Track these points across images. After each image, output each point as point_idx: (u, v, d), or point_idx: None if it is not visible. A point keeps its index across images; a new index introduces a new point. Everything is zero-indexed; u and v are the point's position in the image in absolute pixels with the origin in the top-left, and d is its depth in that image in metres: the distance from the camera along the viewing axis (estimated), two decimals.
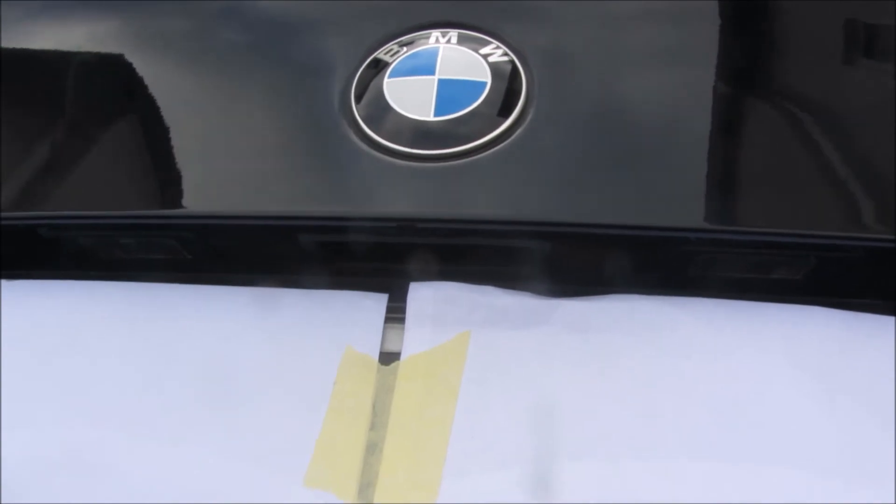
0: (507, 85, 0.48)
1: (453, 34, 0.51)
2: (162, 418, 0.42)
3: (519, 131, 0.46)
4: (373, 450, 0.41)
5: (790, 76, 0.48)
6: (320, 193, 0.46)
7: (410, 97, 0.48)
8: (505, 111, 0.47)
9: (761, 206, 0.43)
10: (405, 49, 0.51)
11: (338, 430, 0.42)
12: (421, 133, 0.47)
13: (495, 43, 0.50)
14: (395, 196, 0.45)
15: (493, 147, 0.46)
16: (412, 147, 0.47)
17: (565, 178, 0.44)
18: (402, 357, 0.44)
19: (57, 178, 0.48)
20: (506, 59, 0.49)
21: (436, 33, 0.51)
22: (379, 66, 0.50)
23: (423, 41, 0.51)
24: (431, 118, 0.47)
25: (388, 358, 0.44)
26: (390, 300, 0.46)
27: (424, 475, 0.40)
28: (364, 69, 0.50)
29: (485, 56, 0.50)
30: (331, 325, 0.45)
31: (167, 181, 0.47)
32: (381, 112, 0.48)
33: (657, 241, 0.43)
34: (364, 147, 0.46)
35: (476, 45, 0.50)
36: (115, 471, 0.41)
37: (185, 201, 0.46)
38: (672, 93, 0.47)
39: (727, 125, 0.45)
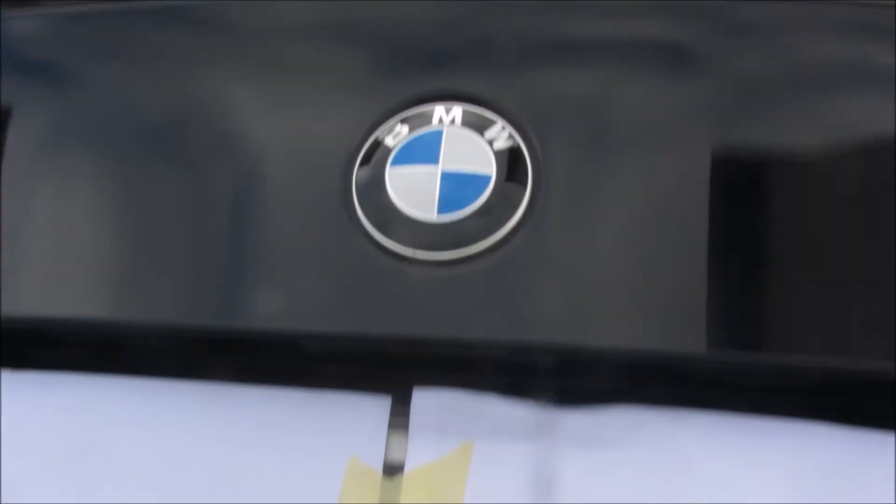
0: (512, 177, 0.47)
1: (457, 111, 0.49)
2: None
3: (523, 233, 0.45)
4: None
5: (816, 194, 0.45)
6: (320, 305, 0.45)
7: (413, 191, 0.47)
8: (511, 208, 0.46)
9: (770, 332, 0.42)
10: (407, 129, 0.48)
11: None
12: (424, 233, 0.46)
13: (500, 123, 0.48)
14: (396, 309, 0.44)
15: (498, 251, 0.45)
16: (415, 248, 0.46)
17: (561, 295, 0.43)
18: (406, 469, 0.45)
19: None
20: (511, 143, 0.47)
21: (440, 110, 0.49)
22: (381, 150, 0.48)
23: (425, 120, 0.49)
24: (434, 217, 0.46)
25: (392, 469, 0.45)
26: (393, 403, 0.46)
27: None
28: (365, 152, 0.48)
29: (490, 141, 0.48)
30: (335, 431, 0.46)
31: (153, 289, 0.46)
32: (383, 209, 0.46)
33: (664, 364, 0.42)
34: (366, 250, 0.45)
35: (481, 125, 0.48)
36: None
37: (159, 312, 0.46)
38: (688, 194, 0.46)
39: (745, 245, 0.44)
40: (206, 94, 0.51)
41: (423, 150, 0.48)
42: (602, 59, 0.49)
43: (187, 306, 0.47)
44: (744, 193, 0.46)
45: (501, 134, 0.48)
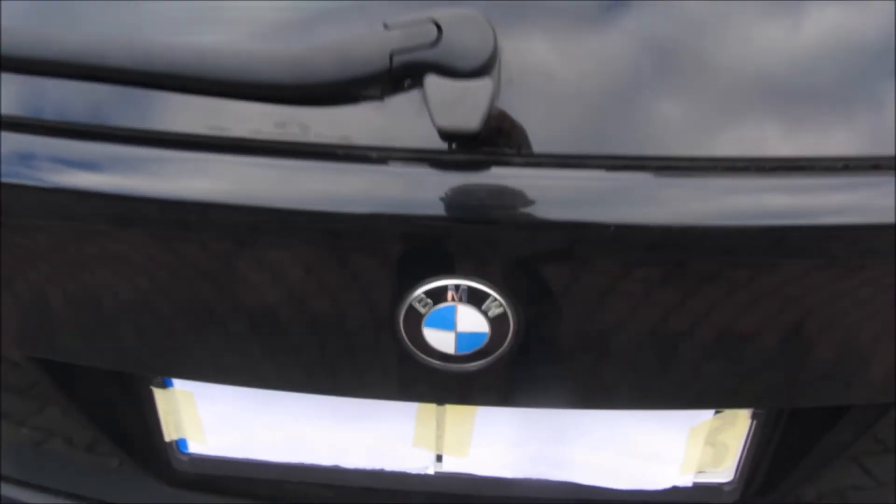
0: (500, 330, 0.75)
1: (464, 288, 0.73)
2: None
3: (504, 356, 0.77)
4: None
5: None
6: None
7: (441, 341, 0.76)
8: (498, 345, 0.76)
9: None
10: (431, 302, 0.74)
11: None
12: (448, 358, 0.77)
13: (493, 295, 0.73)
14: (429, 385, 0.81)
15: (489, 363, 0.78)
16: (443, 362, 0.78)
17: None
18: None
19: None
20: (500, 310, 0.74)
21: (451, 287, 0.73)
22: (415, 314, 0.75)
23: (442, 296, 0.73)
24: (454, 353, 0.77)
25: None
26: None
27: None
28: (406, 314, 0.75)
29: (485, 311, 0.74)
30: None
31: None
32: (425, 348, 0.77)
33: None
34: (415, 362, 0.78)
35: (479, 300, 0.73)
36: None
37: None
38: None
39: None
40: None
41: (445, 320, 0.75)
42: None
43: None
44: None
45: (493, 304, 0.74)
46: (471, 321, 0.76)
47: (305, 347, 0.81)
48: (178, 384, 0.93)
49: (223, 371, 0.84)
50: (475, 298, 0.75)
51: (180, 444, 1.00)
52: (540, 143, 0.69)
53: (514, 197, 0.68)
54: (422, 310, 0.76)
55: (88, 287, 0.80)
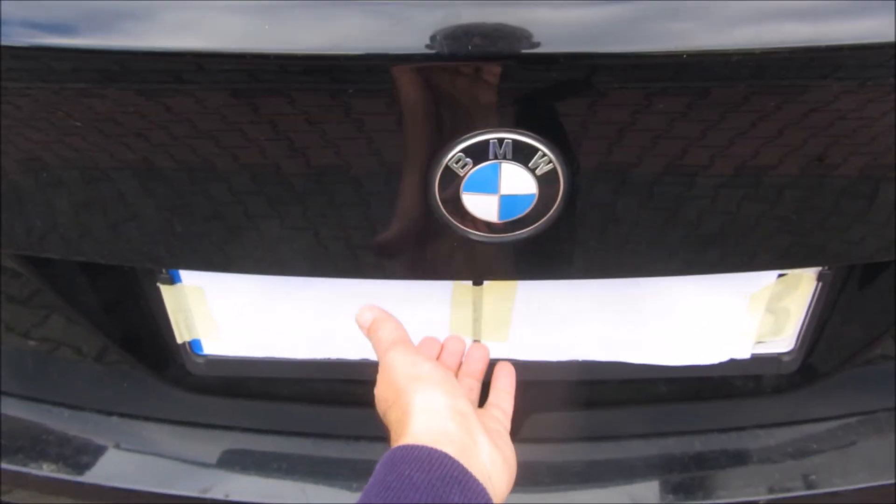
0: (549, 191, 0.66)
1: (508, 142, 0.64)
2: None
3: (552, 220, 0.68)
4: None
5: None
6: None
7: (482, 207, 0.67)
8: (546, 209, 0.67)
9: None
10: (470, 161, 0.64)
11: None
12: (491, 227, 0.69)
13: (542, 150, 0.64)
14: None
15: (536, 230, 0.69)
16: (485, 233, 0.69)
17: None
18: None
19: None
20: (550, 167, 0.65)
21: (493, 143, 0.63)
22: (453, 178, 0.65)
23: (483, 153, 0.64)
24: (497, 220, 0.68)
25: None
26: None
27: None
28: (441, 178, 0.65)
29: (533, 169, 0.65)
30: None
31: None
32: (463, 216, 0.68)
33: None
34: (453, 234, 0.69)
35: (526, 156, 0.64)
36: None
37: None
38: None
39: None
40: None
41: (487, 181, 0.66)
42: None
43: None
44: None
45: (542, 160, 0.65)
46: (516, 181, 0.67)
47: (327, 223, 0.71)
48: (187, 278, 0.84)
49: (236, 258, 0.74)
50: (521, 155, 0.65)
51: (194, 345, 0.92)
52: None
53: (565, 27, 0.58)
54: (460, 171, 0.66)
55: (76, 167, 0.69)
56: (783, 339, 0.89)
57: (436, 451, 0.59)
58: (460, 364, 0.77)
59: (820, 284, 0.83)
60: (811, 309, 0.85)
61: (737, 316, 0.84)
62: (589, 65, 0.60)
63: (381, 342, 0.72)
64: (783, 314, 0.86)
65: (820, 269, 0.82)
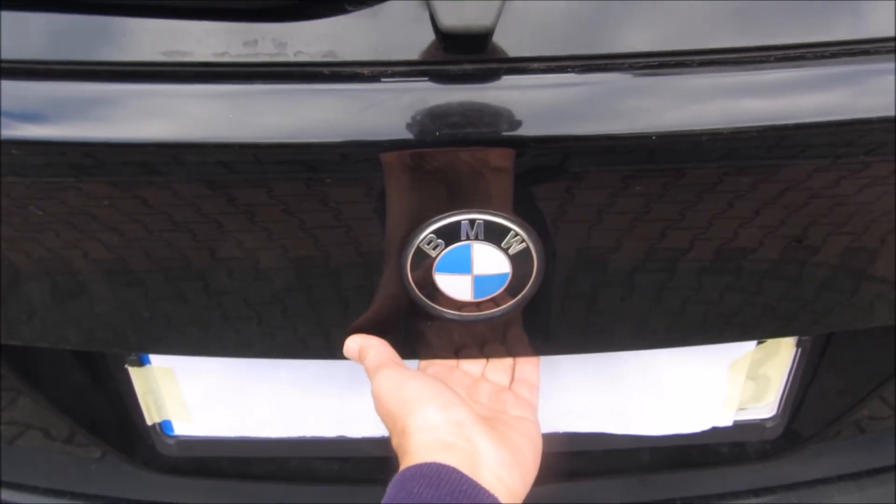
0: (523, 269, 0.65)
1: (480, 223, 0.63)
2: None
3: (527, 298, 0.67)
4: None
5: None
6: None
7: (455, 287, 0.66)
8: (521, 286, 0.67)
9: None
10: (442, 242, 0.64)
11: None
12: (464, 306, 0.68)
13: (514, 229, 0.63)
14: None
15: (511, 307, 0.68)
16: (458, 312, 0.68)
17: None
18: None
19: None
20: (522, 246, 0.64)
21: (465, 224, 0.63)
22: (425, 259, 0.64)
23: (455, 234, 0.63)
24: (472, 300, 0.67)
25: None
26: None
27: None
28: (413, 259, 0.64)
29: (506, 249, 0.64)
30: None
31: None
32: (436, 295, 0.67)
33: None
34: (427, 314, 0.68)
35: (499, 236, 0.63)
36: None
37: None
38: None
39: None
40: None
41: (459, 262, 0.65)
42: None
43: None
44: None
45: (514, 240, 0.64)
46: (489, 261, 0.66)
47: (298, 307, 0.70)
48: (156, 360, 0.82)
49: (206, 342, 0.72)
50: (493, 234, 0.65)
51: (165, 426, 0.89)
52: (562, 43, 0.58)
53: (535, 109, 0.58)
54: (432, 252, 0.65)
55: (41, 255, 0.68)
56: (765, 406, 0.88)
57: (443, 465, 0.60)
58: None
59: (799, 350, 0.82)
60: (792, 375, 0.85)
61: (718, 384, 0.83)
62: (557, 146, 0.60)
63: (368, 370, 0.71)
64: (764, 381, 0.85)
65: (798, 336, 0.82)
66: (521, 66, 0.58)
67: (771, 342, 0.82)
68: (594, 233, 0.66)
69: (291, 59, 0.58)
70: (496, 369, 0.76)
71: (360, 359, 0.71)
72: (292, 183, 0.62)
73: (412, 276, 0.66)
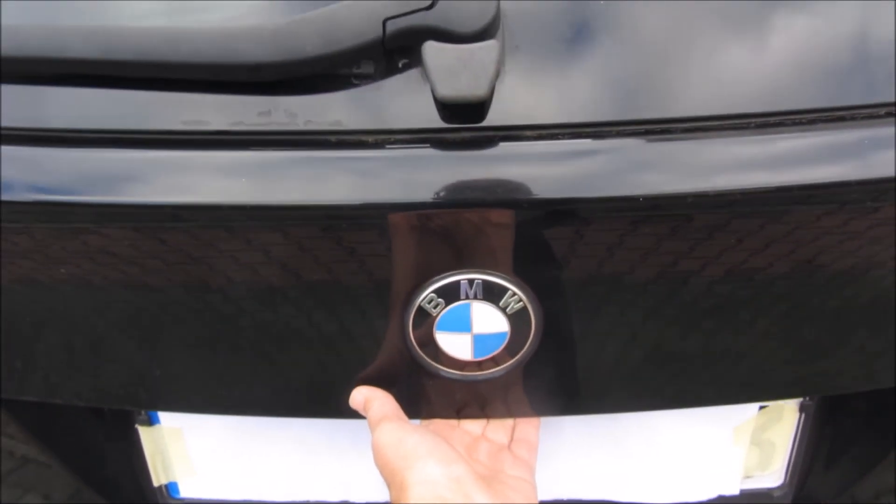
0: (521, 328, 0.67)
1: (478, 282, 0.65)
2: None
3: (526, 358, 0.69)
4: None
5: None
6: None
7: (455, 346, 0.68)
8: (519, 346, 0.69)
9: None
10: (443, 301, 0.66)
11: None
12: (465, 365, 0.69)
13: (511, 289, 0.66)
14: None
15: (511, 367, 0.70)
16: (459, 371, 0.70)
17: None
18: None
19: None
20: (520, 305, 0.66)
21: (464, 283, 0.65)
22: (426, 317, 0.67)
23: (454, 293, 0.66)
24: (472, 359, 0.69)
25: None
26: None
27: None
28: (414, 318, 0.67)
29: (504, 308, 0.66)
30: None
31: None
32: (437, 354, 0.69)
33: None
34: (431, 373, 0.70)
35: (497, 295, 0.66)
36: None
37: None
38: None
39: None
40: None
41: (459, 321, 0.67)
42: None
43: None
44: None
45: (512, 299, 0.66)
46: (488, 320, 0.68)
47: (303, 366, 0.72)
48: (166, 420, 0.84)
49: (215, 399, 0.75)
50: (491, 294, 0.67)
51: (171, 488, 0.90)
52: (553, 112, 0.62)
53: (529, 174, 0.61)
54: (433, 311, 0.68)
55: (57, 311, 0.71)
56: (772, 473, 0.87)
57: None
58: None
59: (803, 416, 0.82)
60: (797, 441, 0.84)
61: (722, 450, 0.83)
62: (554, 209, 0.63)
63: (370, 422, 0.71)
64: (769, 447, 0.85)
65: (801, 400, 0.82)
66: (516, 133, 0.62)
67: (773, 407, 0.82)
68: (592, 293, 0.68)
69: (302, 127, 0.63)
70: (496, 429, 0.77)
71: (364, 410, 0.72)
72: (300, 244, 0.65)
73: (414, 334, 0.69)
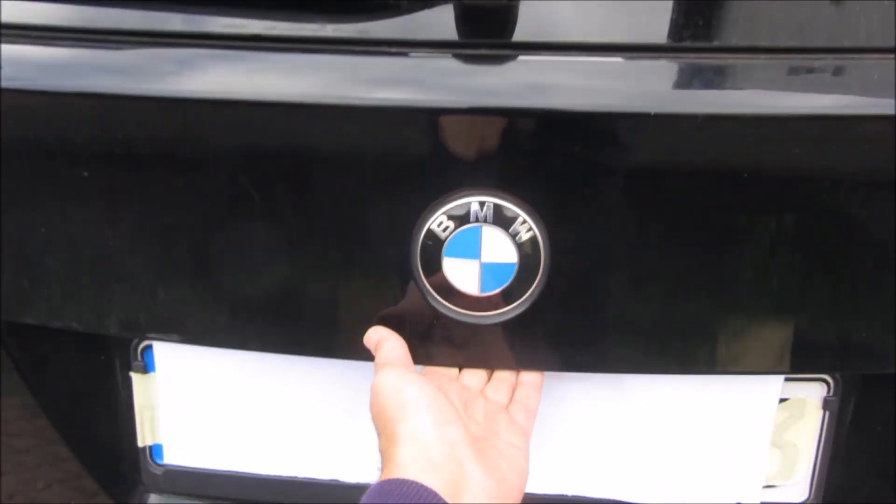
0: (530, 261, 0.66)
1: (489, 205, 0.65)
2: None
3: (533, 300, 0.68)
4: None
5: None
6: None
7: (463, 276, 0.67)
8: (528, 283, 0.67)
9: None
10: (452, 224, 0.66)
11: None
12: (471, 303, 0.68)
13: (522, 216, 0.65)
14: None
15: (517, 311, 0.68)
16: (466, 310, 0.69)
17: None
18: None
19: None
20: (530, 234, 0.66)
21: (475, 206, 0.65)
22: (435, 241, 0.66)
23: (465, 217, 0.65)
24: (478, 293, 0.68)
25: None
26: None
27: None
28: (423, 242, 0.66)
29: (513, 235, 0.66)
30: None
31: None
32: (444, 286, 0.68)
33: None
34: (435, 312, 0.69)
35: (507, 221, 0.65)
36: None
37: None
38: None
39: None
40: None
41: (468, 247, 0.67)
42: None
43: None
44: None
45: (523, 227, 0.66)
46: (497, 248, 0.67)
47: (309, 294, 0.71)
48: (161, 367, 0.81)
49: (216, 327, 0.73)
50: (502, 219, 0.66)
51: (155, 451, 0.85)
52: (577, 29, 0.64)
53: (547, 87, 0.63)
54: (442, 234, 0.67)
55: (60, 228, 0.72)
56: (796, 484, 0.80)
57: (424, 487, 0.57)
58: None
59: (827, 414, 0.77)
60: (821, 445, 0.78)
61: (740, 446, 0.77)
62: (572, 129, 0.63)
63: (376, 364, 0.68)
64: (791, 450, 0.78)
65: (824, 395, 0.77)
66: (536, 44, 0.63)
67: (794, 401, 0.77)
68: (609, 231, 0.66)
69: (330, 34, 0.66)
70: (497, 387, 0.73)
71: (375, 350, 0.70)
72: (310, 149, 0.66)
73: (422, 260, 0.67)
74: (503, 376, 0.74)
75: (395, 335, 0.70)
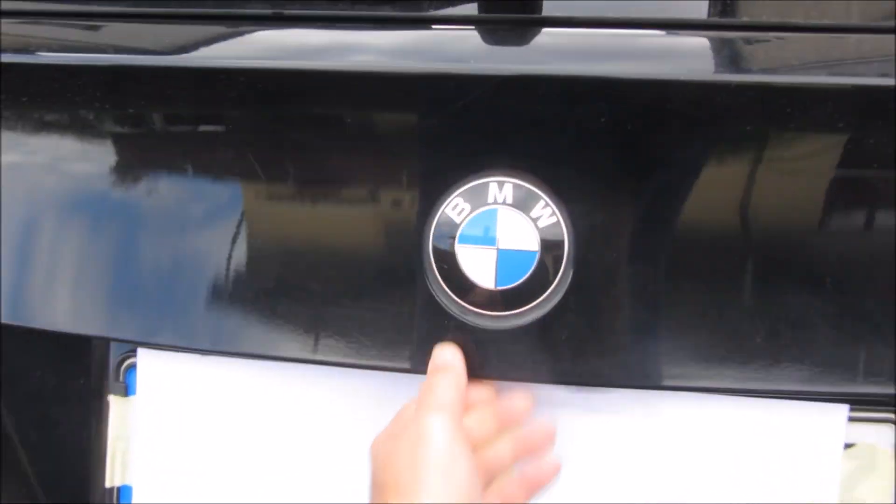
0: (552, 251, 0.61)
1: (508, 188, 0.61)
2: None
3: (557, 299, 0.61)
4: None
5: None
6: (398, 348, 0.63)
7: (478, 265, 0.61)
8: (549, 278, 0.61)
9: None
10: (468, 207, 0.61)
11: None
12: (486, 298, 0.62)
13: (543, 199, 0.61)
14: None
15: (539, 312, 0.61)
16: (481, 309, 0.62)
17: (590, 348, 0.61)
18: None
19: None
20: (553, 220, 0.61)
21: (493, 186, 0.61)
22: (449, 226, 0.61)
23: (481, 197, 0.61)
24: (494, 287, 0.61)
25: None
26: None
27: None
28: (437, 226, 0.62)
29: (535, 220, 0.61)
30: None
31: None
32: (456, 278, 0.62)
33: None
34: (444, 308, 0.62)
35: (528, 203, 0.61)
36: None
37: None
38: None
39: None
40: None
41: (484, 233, 0.61)
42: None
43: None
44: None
45: (545, 212, 0.61)
46: (516, 233, 0.61)
47: (303, 294, 0.65)
48: (143, 388, 0.73)
49: (206, 327, 0.66)
50: (521, 202, 0.61)
51: (123, 493, 0.75)
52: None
53: (574, 51, 0.60)
54: (456, 218, 0.62)
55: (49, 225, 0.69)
56: None
57: None
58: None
59: None
60: None
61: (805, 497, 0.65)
62: (600, 102, 0.59)
63: (428, 396, 0.60)
64: None
65: (894, 439, 0.65)
66: (560, 17, 0.62)
67: (861, 447, 0.66)
68: (644, 222, 0.60)
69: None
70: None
71: (431, 373, 0.62)
72: (316, 118, 0.63)
73: (434, 248, 0.62)
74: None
75: (461, 364, 0.62)
